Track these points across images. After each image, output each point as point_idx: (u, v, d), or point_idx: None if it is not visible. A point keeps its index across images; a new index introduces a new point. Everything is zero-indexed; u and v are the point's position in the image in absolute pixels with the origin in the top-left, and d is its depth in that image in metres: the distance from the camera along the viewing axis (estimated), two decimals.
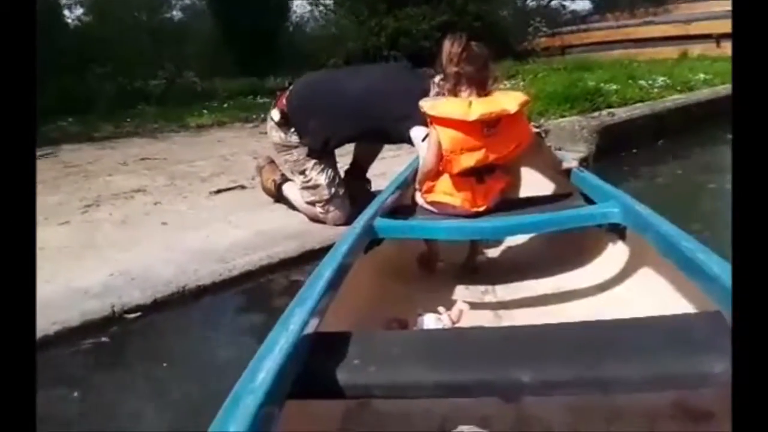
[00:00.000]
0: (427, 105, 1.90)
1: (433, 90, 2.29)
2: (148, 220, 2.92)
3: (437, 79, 2.33)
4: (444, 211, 1.94)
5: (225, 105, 7.66)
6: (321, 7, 16.21)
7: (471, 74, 1.90)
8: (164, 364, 1.81)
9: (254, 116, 6.45)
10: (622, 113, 4.95)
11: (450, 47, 1.92)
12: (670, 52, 12.20)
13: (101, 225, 2.88)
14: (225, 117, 6.74)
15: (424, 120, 1.98)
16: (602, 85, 5.73)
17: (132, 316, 1.99)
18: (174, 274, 2.23)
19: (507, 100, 1.87)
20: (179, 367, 1.82)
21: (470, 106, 1.81)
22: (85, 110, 6.57)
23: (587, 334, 1.19)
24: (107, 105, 7.02)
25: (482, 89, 1.91)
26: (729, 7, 13.16)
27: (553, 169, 2.30)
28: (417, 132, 2.22)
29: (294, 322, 1.07)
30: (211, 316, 2.14)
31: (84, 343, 1.87)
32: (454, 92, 1.93)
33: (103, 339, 1.90)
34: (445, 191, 1.92)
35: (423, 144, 2.12)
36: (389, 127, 2.45)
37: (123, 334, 1.94)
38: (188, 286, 2.16)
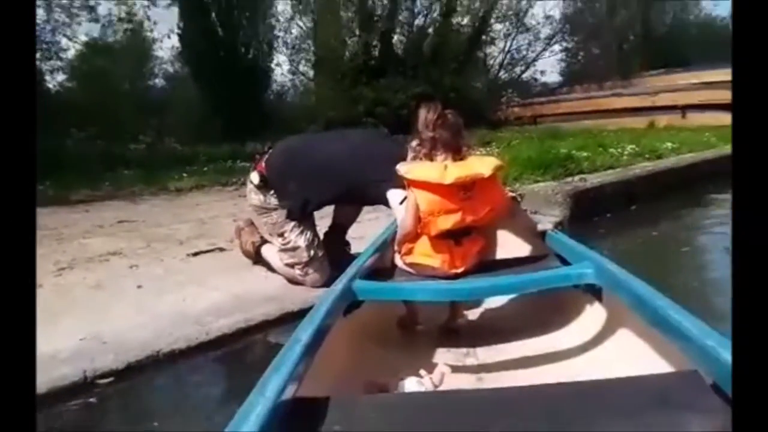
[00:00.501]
0: (403, 169, 1.95)
1: (410, 154, 2.36)
2: (123, 284, 2.87)
3: (414, 143, 2.41)
4: (423, 272, 1.96)
5: (204, 169, 7.71)
6: (301, 77, 16.69)
7: (446, 140, 1.97)
8: None
9: (234, 180, 6.49)
10: (593, 179, 5.10)
11: (426, 114, 2.00)
12: (638, 122, 12.73)
13: (74, 289, 2.82)
14: (204, 181, 6.77)
15: (401, 183, 2.02)
16: (574, 152, 5.93)
17: (104, 381, 1.93)
18: (148, 338, 2.17)
19: (481, 164, 1.94)
20: None
21: (446, 170, 1.87)
22: (62, 173, 6.55)
23: (569, 395, 1.20)
24: (86, 169, 7.01)
25: (457, 154, 1.98)
26: (694, 80, 13.87)
27: (528, 231, 2.35)
28: (394, 195, 2.27)
29: (271, 388, 1.05)
30: (186, 381, 2.08)
31: (53, 410, 1.79)
32: (430, 156, 2.00)
33: (73, 406, 1.83)
34: (423, 253, 1.94)
35: (400, 207, 2.16)
36: (367, 189, 2.49)
37: (95, 400, 1.86)
38: (162, 351, 2.10)
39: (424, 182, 1.88)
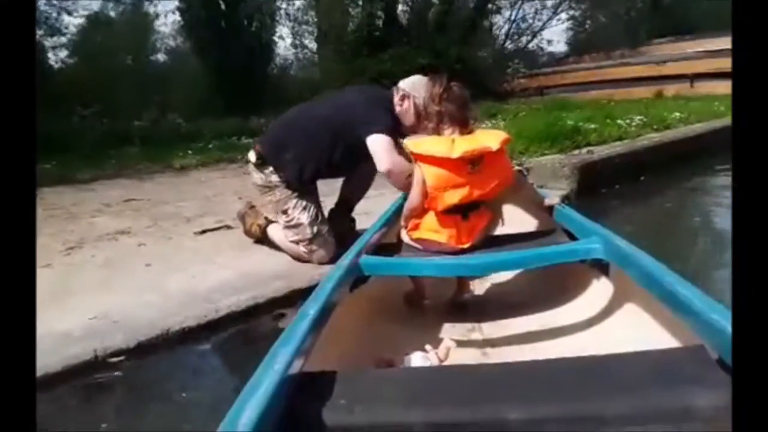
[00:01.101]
0: (410, 143, 1.94)
1: (397, 93, 2.36)
2: (132, 262, 2.89)
3: (401, 83, 2.41)
4: (429, 248, 1.95)
5: (210, 146, 7.70)
6: (304, 50, 16.52)
7: (452, 113, 1.95)
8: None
9: (238, 156, 6.49)
10: (601, 151, 5.06)
11: (431, 87, 1.98)
12: (645, 91, 12.54)
13: (84, 267, 2.85)
14: (209, 157, 6.77)
15: (383, 126, 2.01)
16: (581, 124, 5.86)
17: (115, 360, 1.95)
18: (158, 316, 2.19)
19: (489, 138, 1.92)
20: (165, 410, 1.78)
21: (453, 144, 1.86)
22: (68, 152, 6.55)
23: (574, 370, 1.20)
24: (91, 146, 7.02)
25: (464, 127, 1.96)
26: (702, 48, 13.64)
27: (536, 206, 2.34)
28: (375, 138, 2.27)
29: (279, 362, 1.06)
30: (196, 358, 2.11)
31: (65, 388, 1.82)
32: (437, 131, 1.98)
33: (85, 383, 1.86)
34: (430, 228, 1.94)
35: (379, 151, 2.15)
36: (357, 138, 2.50)
37: (106, 379, 1.89)
38: (172, 329, 2.12)
39: (431, 156, 1.86)
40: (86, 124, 8.14)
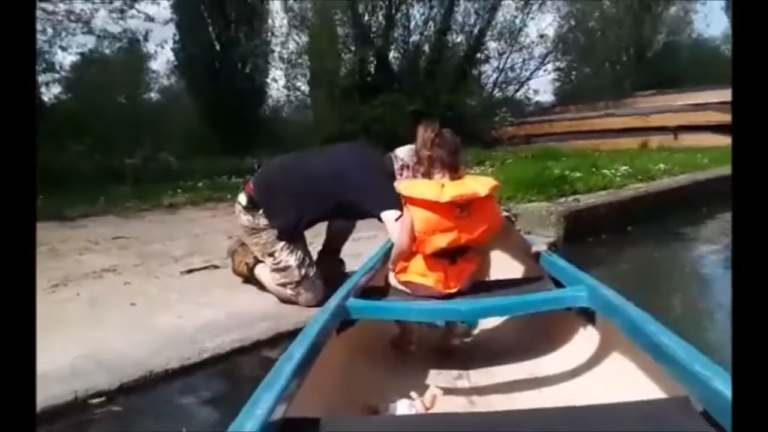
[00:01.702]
0: (401, 186, 1.97)
1: (396, 163, 2.39)
2: (117, 301, 2.87)
3: (398, 151, 2.44)
4: (417, 291, 1.96)
5: (199, 184, 7.71)
6: (297, 92, 16.75)
7: (443, 158, 1.99)
8: None
9: (228, 196, 6.49)
10: (587, 200, 5.13)
11: (423, 132, 2.02)
12: (630, 142, 12.80)
13: (68, 305, 2.81)
14: (199, 196, 6.77)
15: (394, 200, 2.04)
16: (567, 173, 5.96)
17: (96, 401, 1.92)
18: (142, 357, 2.17)
19: (478, 183, 1.95)
20: None
21: (443, 188, 1.88)
22: (57, 188, 6.53)
23: (561, 420, 1.20)
24: (81, 183, 7.01)
25: (454, 173, 1.99)
26: (685, 101, 13.96)
27: (523, 252, 2.36)
28: (389, 214, 2.28)
29: (261, 407, 1.04)
30: (178, 401, 2.07)
31: (44, 429, 1.78)
32: (428, 175, 2.01)
33: (62, 427, 1.82)
34: (418, 272, 1.95)
35: (395, 224, 2.16)
36: (353, 202, 2.53)
37: (85, 422, 1.85)
38: (155, 371, 2.10)
39: (421, 200, 1.89)
40: (77, 160, 8.15)
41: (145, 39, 12.27)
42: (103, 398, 1.93)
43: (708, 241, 4.90)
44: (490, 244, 2.43)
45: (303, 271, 2.73)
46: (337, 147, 2.97)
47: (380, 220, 2.41)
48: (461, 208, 1.88)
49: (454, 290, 1.94)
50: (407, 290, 1.98)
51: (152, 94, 17.58)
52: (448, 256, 1.93)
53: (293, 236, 2.76)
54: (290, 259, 2.73)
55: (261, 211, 2.75)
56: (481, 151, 11.06)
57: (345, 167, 2.67)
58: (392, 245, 2.16)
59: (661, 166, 7.39)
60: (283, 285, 2.76)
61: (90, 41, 12.14)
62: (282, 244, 2.73)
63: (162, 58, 16.35)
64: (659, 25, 21.50)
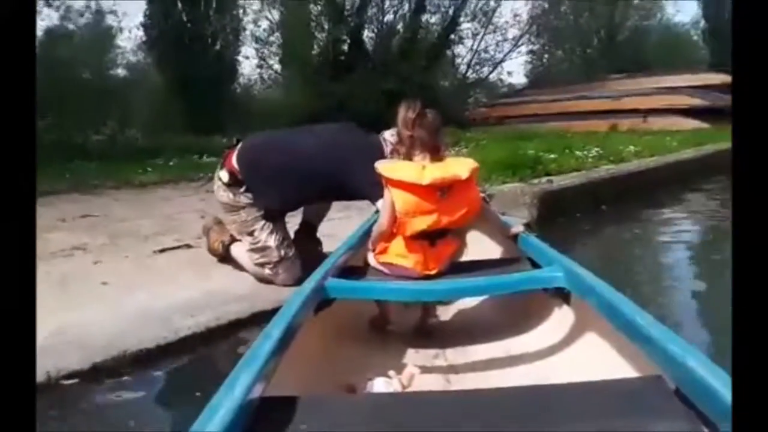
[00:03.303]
0: (382, 167, 1.95)
1: (387, 147, 2.37)
2: (88, 280, 2.81)
3: (387, 134, 2.42)
4: (396, 272, 1.96)
5: (170, 163, 7.57)
6: (269, 70, 16.53)
7: (424, 139, 1.97)
8: None
9: (200, 175, 6.40)
10: (560, 181, 5.20)
11: (405, 113, 2.00)
12: (600, 125, 12.99)
13: (39, 284, 2.73)
14: (169, 175, 6.65)
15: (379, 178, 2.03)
16: (541, 154, 6.02)
17: (69, 382, 1.88)
18: (114, 336, 2.12)
19: (459, 166, 1.95)
20: None
21: (424, 170, 1.88)
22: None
23: (536, 398, 1.22)
24: (46, 160, 6.82)
25: (435, 154, 1.98)
26: (655, 85, 14.25)
27: (500, 233, 2.38)
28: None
29: (239, 386, 1.04)
30: (153, 381, 2.04)
31: None
32: (408, 156, 1.99)
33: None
34: (397, 253, 1.95)
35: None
36: (345, 186, 2.51)
37: (58, 403, 1.82)
38: (129, 350, 2.06)
39: (401, 182, 1.88)
40: (41, 135, 7.92)
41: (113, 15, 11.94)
42: (75, 379, 1.89)
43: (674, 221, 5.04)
44: (469, 226, 2.44)
45: (282, 252, 2.70)
46: (328, 127, 2.89)
47: (374, 204, 2.39)
48: (442, 191, 1.88)
49: (433, 272, 1.95)
50: (386, 271, 1.99)
51: (119, 70, 17.16)
52: (428, 238, 1.93)
53: (276, 216, 2.72)
54: (270, 239, 2.69)
55: (243, 189, 2.68)
56: (456, 131, 11.09)
57: (340, 150, 2.61)
58: (371, 226, 2.15)
59: (632, 148, 7.52)
60: (261, 265, 2.73)
61: (55, 16, 11.76)
62: (262, 222, 2.69)
63: (132, 34, 15.88)
64: (630, 9, 21.75)
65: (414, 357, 1.93)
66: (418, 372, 1.75)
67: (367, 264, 2.08)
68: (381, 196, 2.02)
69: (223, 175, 2.71)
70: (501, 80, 18.63)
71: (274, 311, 1.51)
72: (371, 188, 2.22)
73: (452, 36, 16.39)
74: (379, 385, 1.63)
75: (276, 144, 2.82)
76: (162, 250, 3.35)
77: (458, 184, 1.90)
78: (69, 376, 1.89)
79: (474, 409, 1.17)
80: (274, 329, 1.33)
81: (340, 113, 11.75)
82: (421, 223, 1.89)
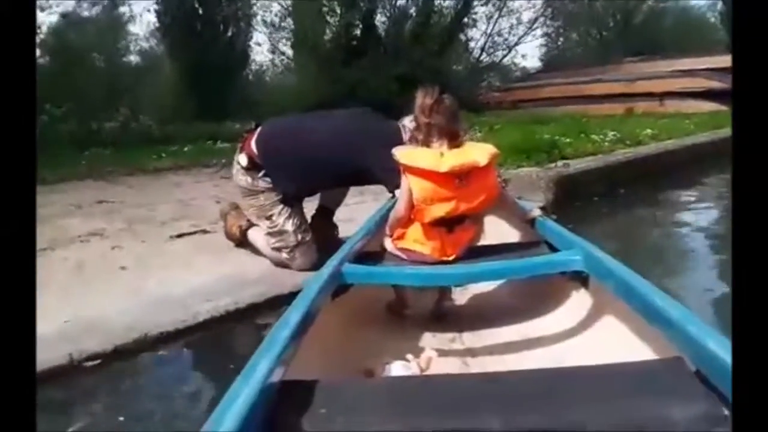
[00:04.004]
0: (400, 154, 1.94)
1: (405, 134, 2.36)
2: (106, 265, 2.83)
3: (406, 121, 2.41)
4: (413, 258, 1.96)
5: (185, 149, 7.60)
6: (281, 56, 16.47)
7: (442, 125, 1.95)
8: (120, 419, 1.73)
9: (213, 161, 6.41)
10: (577, 165, 5.16)
11: (422, 99, 1.98)
12: (616, 108, 12.83)
13: (57, 270, 2.77)
14: (183, 161, 6.67)
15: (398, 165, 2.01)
16: (557, 138, 5.97)
17: (90, 364, 1.91)
18: (134, 320, 2.15)
19: (478, 152, 1.93)
20: (140, 419, 1.74)
21: (442, 157, 1.86)
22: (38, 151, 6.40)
23: (554, 380, 1.22)
24: (61, 147, 6.87)
25: (453, 140, 1.96)
26: (671, 68, 14.02)
27: (518, 218, 2.37)
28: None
29: (259, 371, 1.06)
30: (174, 364, 2.07)
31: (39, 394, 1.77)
32: (426, 143, 1.97)
33: (60, 389, 1.81)
34: (415, 239, 1.94)
35: None
36: (365, 172, 2.51)
37: (81, 384, 1.85)
38: (150, 333, 2.09)
39: (419, 169, 1.87)
40: (55, 123, 7.98)
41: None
42: (97, 361, 1.92)
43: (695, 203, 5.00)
44: (486, 210, 2.43)
45: (299, 236, 2.71)
46: (347, 113, 2.86)
47: (392, 192, 2.39)
48: (460, 178, 1.87)
49: (450, 258, 1.95)
50: (404, 256, 1.98)
51: (132, 57, 17.18)
52: (446, 224, 1.93)
53: (294, 201, 2.73)
54: (287, 223, 2.70)
55: (261, 173, 2.69)
56: (469, 116, 11.01)
57: (358, 135, 2.61)
58: (387, 211, 2.15)
59: (649, 131, 7.43)
60: (278, 249, 2.74)
61: (69, 2, 11.78)
62: (280, 207, 2.70)
63: (144, 19, 15.85)
64: None
65: (431, 341, 1.94)
66: (436, 355, 1.75)
67: (383, 249, 2.08)
68: (398, 182, 2.01)
69: (242, 159, 2.72)
70: (515, 64, 18.37)
71: (291, 295, 1.52)
72: (388, 174, 2.21)
73: (465, 19, 16.21)
74: (397, 368, 1.64)
75: (295, 129, 2.82)
76: (179, 236, 3.37)
77: (477, 170, 1.89)
78: (90, 358, 1.91)
79: (492, 392, 1.17)
80: (293, 315, 1.34)
81: (352, 99, 11.70)
82: (439, 210, 1.88)
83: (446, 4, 15.88)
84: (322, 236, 2.84)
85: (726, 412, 1.01)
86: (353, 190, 3.22)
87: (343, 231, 2.95)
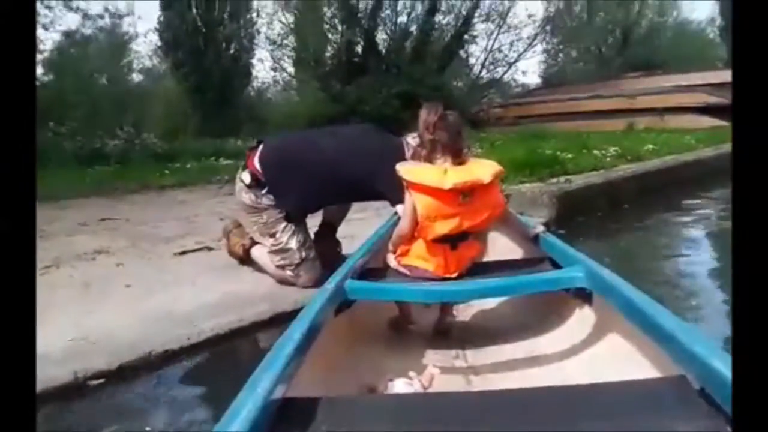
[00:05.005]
0: (403, 170, 1.95)
1: (408, 151, 2.37)
2: (111, 283, 2.84)
3: (409, 137, 2.42)
4: (416, 274, 1.96)
5: (188, 166, 7.64)
6: (283, 73, 16.60)
7: (445, 142, 1.95)
8: None
9: (217, 178, 6.45)
10: (579, 180, 5.17)
11: (426, 115, 1.99)
12: (616, 124, 12.87)
13: (61, 287, 2.79)
14: (186, 178, 6.71)
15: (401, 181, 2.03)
16: (559, 153, 5.99)
17: (96, 382, 1.91)
18: (139, 338, 2.15)
19: (481, 169, 1.93)
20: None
21: (446, 174, 1.87)
22: (40, 169, 6.44)
23: (556, 399, 1.22)
24: (64, 164, 6.92)
25: (457, 157, 1.96)
26: (671, 83, 14.07)
27: (521, 234, 2.37)
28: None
29: (261, 387, 1.06)
30: (178, 382, 2.07)
31: (43, 412, 1.78)
32: (430, 159, 1.98)
33: (64, 407, 1.81)
34: (419, 255, 1.95)
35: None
36: (368, 188, 2.52)
37: (86, 402, 1.85)
38: (154, 351, 2.09)
39: (423, 185, 1.87)
40: (60, 141, 8.04)
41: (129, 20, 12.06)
42: (102, 379, 1.92)
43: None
44: (490, 226, 2.44)
45: (303, 254, 2.71)
46: (350, 129, 2.89)
47: (393, 207, 2.40)
48: (464, 195, 1.87)
49: (454, 275, 1.95)
50: (407, 272, 1.98)
51: (134, 75, 17.34)
52: (450, 241, 1.93)
53: (298, 218, 2.74)
54: (291, 241, 2.70)
55: (265, 191, 2.69)
56: (470, 132, 11.05)
57: (362, 152, 2.62)
58: (390, 227, 2.16)
59: (650, 146, 7.45)
60: (282, 267, 2.73)
61: (73, 20, 11.91)
62: (284, 224, 2.70)
63: (146, 38, 16.05)
64: (645, 7, 21.56)
65: (434, 357, 1.93)
66: (439, 372, 1.74)
67: (386, 266, 2.09)
68: (401, 198, 2.02)
69: (245, 176, 2.72)
70: (515, 80, 18.51)
71: (295, 312, 1.53)
72: (392, 191, 2.22)
73: (466, 36, 16.33)
74: (400, 385, 1.63)
75: (298, 146, 2.83)
76: (183, 252, 3.38)
77: (480, 187, 1.89)
78: (95, 376, 1.91)
79: (495, 410, 1.17)
80: (296, 331, 1.34)
81: (353, 115, 11.76)
82: (443, 227, 1.89)
83: (446, 21, 16.03)
84: (325, 253, 2.84)
85: (730, 430, 1.01)
86: (355, 206, 3.23)
87: (347, 247, 2.96)
